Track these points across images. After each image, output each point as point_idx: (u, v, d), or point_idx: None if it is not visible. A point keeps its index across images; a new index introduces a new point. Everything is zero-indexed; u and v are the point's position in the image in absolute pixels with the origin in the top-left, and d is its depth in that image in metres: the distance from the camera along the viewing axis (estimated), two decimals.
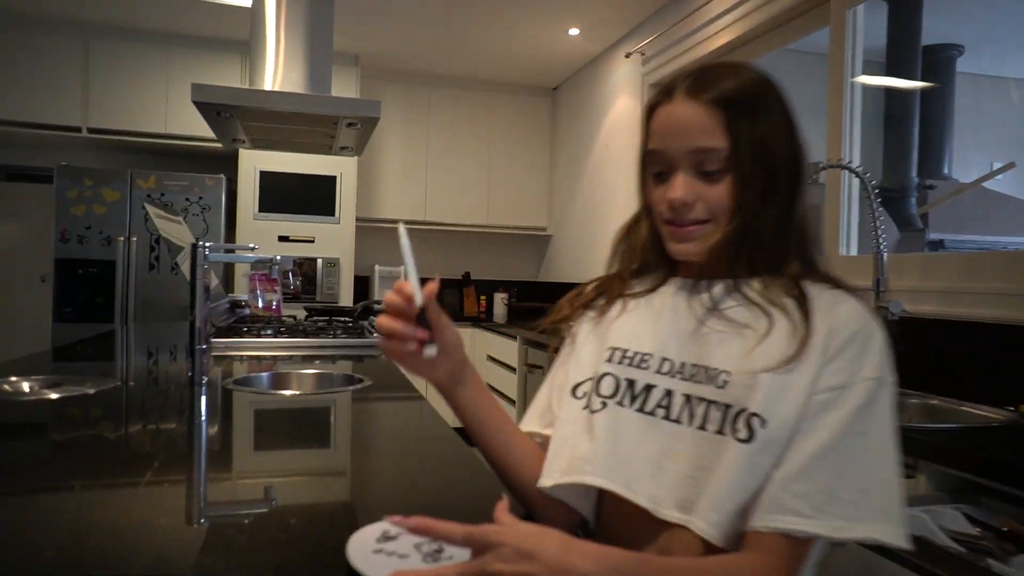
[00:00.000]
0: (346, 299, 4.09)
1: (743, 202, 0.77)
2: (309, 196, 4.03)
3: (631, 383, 0.80)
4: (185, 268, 3.64)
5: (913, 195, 2.78)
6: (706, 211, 0.79)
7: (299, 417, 1.41)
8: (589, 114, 4.32)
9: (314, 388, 1.74)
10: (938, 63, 3.04)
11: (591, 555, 0.59)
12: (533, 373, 3.49)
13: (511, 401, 3.80)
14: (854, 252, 2.29)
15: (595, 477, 0.77)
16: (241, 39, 3.72)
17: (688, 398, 0.76)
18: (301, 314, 3.14)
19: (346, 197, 4.10)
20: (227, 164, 4.04)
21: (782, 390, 0.69)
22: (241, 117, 2.31)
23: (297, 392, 1.70)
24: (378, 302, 3.76)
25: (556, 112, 4.90)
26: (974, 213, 2.88)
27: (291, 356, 2.10)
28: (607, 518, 0.82)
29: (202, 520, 0.80)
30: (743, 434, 0.69)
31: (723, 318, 0.77)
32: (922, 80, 2.86)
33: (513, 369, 3.78)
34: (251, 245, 1.54)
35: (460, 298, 4.93)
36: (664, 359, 0.80)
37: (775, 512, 0.66)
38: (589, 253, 4.35)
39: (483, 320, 4.39)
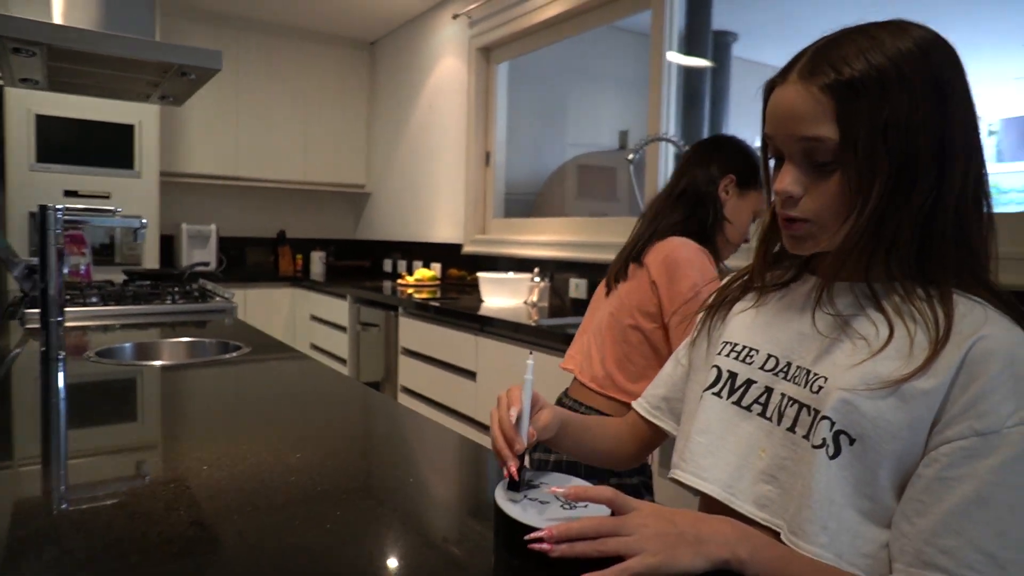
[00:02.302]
0: (151, 260, 3.73)
1: (868, 199, 0.67)
2: (101, 146, 3.58)
3: (733, 376, 0.80)
4: None
5: None
6: (810, 210, 0.71)
7: (203, 389, 1.35)
8: (411, 72, 4.31)
9: (190, 357, 1.66)
10: (718, 47, 3.50)
11: (727, 526, 0.63)
12: (367, 331, 3.51)
13: (342, 361, 3.78)
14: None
15: (675, 469, 0.82)
16: None
17: (783, 397, 0.74)
18: (116, 278, 2.85)
19: (147, 149, 3.71)
20: None
21: (881, 413, 0.65)
22: (50, 57, 2.02)
23: (174, 362, 1.60)
24: (205, 264, 3.50)
25: (375, 67, 4.80)
26: None
27: (128, 325, 1.95)
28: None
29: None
30: (831, 450, 0.66)
31: (844, 324, 0.72)
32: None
33: (343, 328, 3.75)
34: (113, 208, 1.42)
35: (275, 257, 4.73)
36: (770, 356, 0.78)
37: (920, 568, 0.61)
38: (408, 211, 4.40)
39: (300, 279, 4.27)
